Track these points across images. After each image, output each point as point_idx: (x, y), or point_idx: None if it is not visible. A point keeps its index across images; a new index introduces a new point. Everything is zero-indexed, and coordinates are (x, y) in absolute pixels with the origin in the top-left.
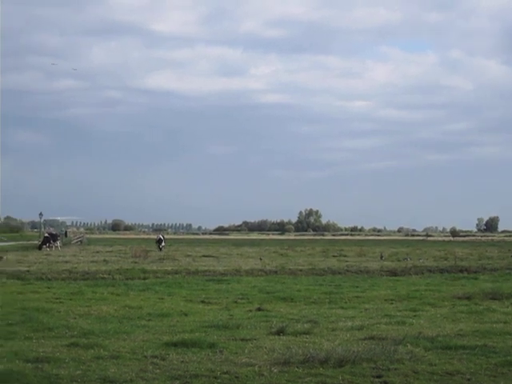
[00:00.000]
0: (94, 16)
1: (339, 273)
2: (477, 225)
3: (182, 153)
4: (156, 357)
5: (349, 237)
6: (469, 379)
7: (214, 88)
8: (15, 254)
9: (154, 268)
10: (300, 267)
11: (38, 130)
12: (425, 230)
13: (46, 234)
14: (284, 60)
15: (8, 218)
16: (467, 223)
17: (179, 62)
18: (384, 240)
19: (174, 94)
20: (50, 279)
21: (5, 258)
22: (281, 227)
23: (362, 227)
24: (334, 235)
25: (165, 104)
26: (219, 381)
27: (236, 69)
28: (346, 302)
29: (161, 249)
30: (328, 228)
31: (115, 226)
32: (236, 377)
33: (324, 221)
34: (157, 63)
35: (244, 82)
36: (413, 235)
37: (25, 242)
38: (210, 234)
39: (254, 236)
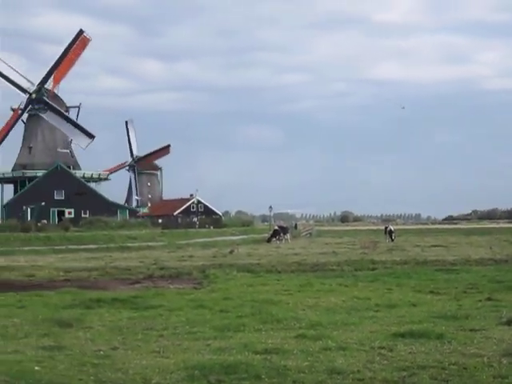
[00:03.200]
0: (318, 9)
1: None
2: None
3: (411, 142)
4: (383, 348)
5: None
6: None
7: (440, 76)
8: (246, 247)
9: (383, 259)
10: None
11: (269, 124)
12: None
13: (276, 227)
14: (511, 44)
15: (239, 212)
16: None
17: (405, 51)
18: None
19: (401, 83)
20: (279, 271)
21: (236, 251)
22: None
23: None
24: None
25: (392, 93)
26: (447, 372)
27: (462, 56)
28: None
29: (393, 239)
30: None
31: (344, 218)
32: (464, 368)
33: None
34: (383, 53)
35: (471, 68)
36: None
37: (255, 236)
38: (439, 223)
39: (484, 224)
